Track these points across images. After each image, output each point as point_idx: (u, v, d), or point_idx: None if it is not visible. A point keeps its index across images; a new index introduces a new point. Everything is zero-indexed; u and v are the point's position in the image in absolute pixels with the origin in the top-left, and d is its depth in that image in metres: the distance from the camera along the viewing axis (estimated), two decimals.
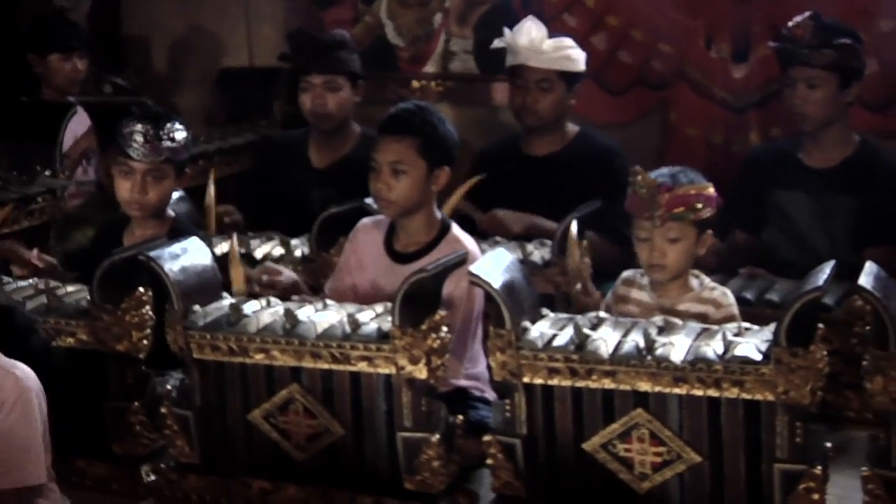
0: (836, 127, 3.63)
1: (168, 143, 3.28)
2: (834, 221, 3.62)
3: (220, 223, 3.78)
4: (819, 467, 2.39)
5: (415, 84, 4.80)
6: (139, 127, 3.25)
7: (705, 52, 4.36)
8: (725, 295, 2.83)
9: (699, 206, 2.78)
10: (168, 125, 3.29)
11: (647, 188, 2.78)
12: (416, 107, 3.13)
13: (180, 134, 3.32)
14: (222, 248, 3.51)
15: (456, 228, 3.16)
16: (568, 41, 3.82)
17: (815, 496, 2.40)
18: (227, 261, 3.01)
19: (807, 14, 3.59)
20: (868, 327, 2.58)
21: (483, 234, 3.62)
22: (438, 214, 3.16)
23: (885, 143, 3.79)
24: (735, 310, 2.81)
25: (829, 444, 2.48)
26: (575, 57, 3.83)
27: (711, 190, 2.82)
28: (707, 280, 2.88)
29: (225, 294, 2.90)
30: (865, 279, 2.37)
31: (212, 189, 3.68)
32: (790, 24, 3.62)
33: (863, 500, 2.41)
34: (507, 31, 3.88)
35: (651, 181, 2.78)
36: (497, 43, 3.92)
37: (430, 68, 4.81)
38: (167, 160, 3.29)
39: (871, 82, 4.04)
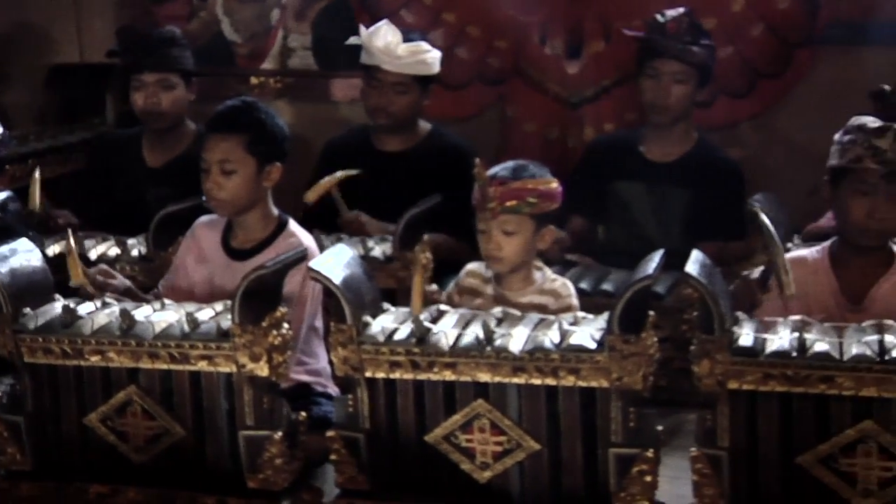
0: (682, 123, 3.77)
1: None
2: (670, 213, 3.76)
3: (53, 224, 3.67)
4: (651, 450, 2.47)
5: (253, 81, 4.75)
6: None
7: (540, 48, 4.46)
8: (566, 286, 2.90)
9: (533, 200, 2.82)
10: None
11: (482, 181, 2.82)
12: (242, 103, 3.11)
13: None
14: (54, 249, 3.42)
15: (293, 224, 3.15)
16: (424, 45, 3.83)
17: (648, 478, 2.47)
18: (66, 256, 2.92)
19: (681, 10, 3.71)
20: (696, 313, 2.69)
21: (339, 230, 3.62)
22: (275, 210, 3.15)
23: (706, 135, 3.95)
24: (573, 300, 2.88)
25: (660, 428, 2.55)
26: (430, 61, 3.84)
27: (554, 185, 2.87)
28: (549, 272, 2.94)
29: (58, 295, 2.82)
30: (692, 267, 2.46)
31: (37, 189, 3.56)
32: (662, 18, 3.72)
33: (692, 479, 2.49)
34: (362, 28, 3.87)
35: (484, 175, 2.82)
36: (352, 40, 3.91)
37: (268, 65, 4.77)
38: None
39: None
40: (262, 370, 2.59)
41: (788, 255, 2.94)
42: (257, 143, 3.02)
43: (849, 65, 4.08)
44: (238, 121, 3.02)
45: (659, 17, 3.72)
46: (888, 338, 2.41)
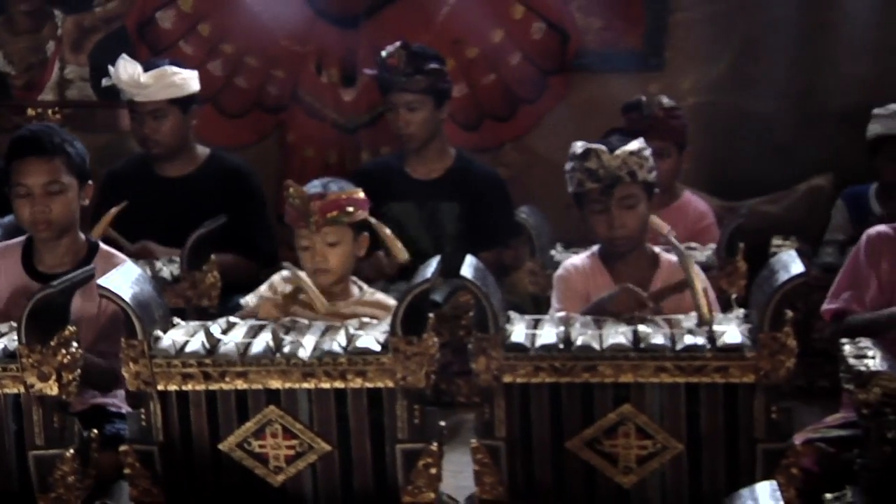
0: (435, 142, 4.00)
1: None
2: (441, 226, 4.00)
3: None
4: (435, 444, 2.63)
5: (31, 112, 4.70)
6: None
7: (316, 77, 4.62)
8: (386, 297, 3.05)
9: (351, 209, 2.98)
10: None
11: (301, 199, 2.93)
12: (47, 128, 3.14)
13: None
14: None
15: (104, 246, 3.18)
16: (170, 69, 3.85)
17: (433, 470, 2.62)
18: None
19: (397, 44, 3.92)
20: (472, 314, 2.86)
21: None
22: (82, 235, 3.17)
23: (477, 156, 4.21)
24: None
25: (443, 423, 2.72)
26: (180, 82, 3.86)
27: (361, 194, 3.03)
28: (365, 285, 3.08)
29: None
30: (467, 270, 2.64)
31: None
32: (383, 53, 3.94)
33: (473, 469, 2.66)
34: (111, 68, 3.89)
35: (303, 192, 2.94)
36: (104, 82, 3.94)
37: (47, 96, 4.73)
38: None
39: (464, 104, 4.49)
40: (52, 389, 2.60)
41: (564, 264, 3.18)
42: (75, 163, 3.07)
43: (597, 89, 4.45)
44: (54, 143, 3.05)
45: (382, 53, 3.96)
46: (641, 328, 2.66)
